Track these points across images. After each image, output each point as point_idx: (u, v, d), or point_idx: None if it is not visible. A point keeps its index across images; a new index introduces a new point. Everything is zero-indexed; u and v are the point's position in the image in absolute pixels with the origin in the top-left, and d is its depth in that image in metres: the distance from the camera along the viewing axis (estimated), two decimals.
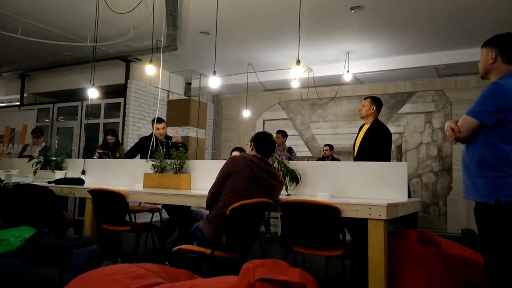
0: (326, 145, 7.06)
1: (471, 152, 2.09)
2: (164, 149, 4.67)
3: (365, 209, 2.53)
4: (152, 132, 4.86)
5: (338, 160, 7.01)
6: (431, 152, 7.22)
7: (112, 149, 5.53)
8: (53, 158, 4.92)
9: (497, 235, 1.97)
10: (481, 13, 4.89)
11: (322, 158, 7.06)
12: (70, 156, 6.69)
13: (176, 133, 5.05)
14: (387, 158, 3.84)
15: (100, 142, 6.76)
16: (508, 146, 1.97)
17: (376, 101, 4.03)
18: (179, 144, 4.98)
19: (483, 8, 4.74)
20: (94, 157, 5.21)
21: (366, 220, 2.54)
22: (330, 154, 6.93)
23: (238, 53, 6.75)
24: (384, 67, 6.80)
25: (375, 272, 2.44)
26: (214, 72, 4.65)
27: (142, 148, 4.89)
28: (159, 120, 5.01)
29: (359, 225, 3.11)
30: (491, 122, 1.99)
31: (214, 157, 9.24)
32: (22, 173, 4.79)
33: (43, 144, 6.19)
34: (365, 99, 4.11)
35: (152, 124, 4.96)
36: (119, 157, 5.47)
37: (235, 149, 4.63)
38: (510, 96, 1.98)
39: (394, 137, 6.59)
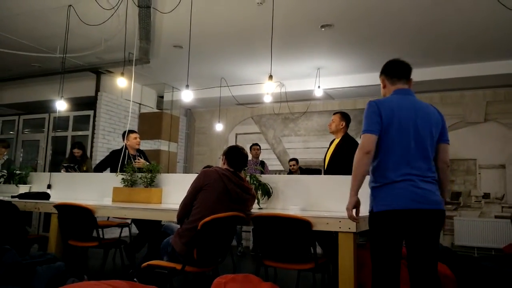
0: (291, 159, 6.95)
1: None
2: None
3: (335, 222, 2.58)
4: (123, 146, 4.77)
5: (308, 171, 6.87)
6: None
7: (79, 163, 5.37)
8: (17, 172, 4.75)
9: (372, 239, 2.22)
10: (445, 33, 5.14)
11: (290, 173, 7.02)
12: (35, 170, 6.46)
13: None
14: None
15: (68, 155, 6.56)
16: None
17: (345, 117, 4.14)
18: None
19: (448, 28, 4.98)
20: (62, 171, 5.06)
21: (336, 233, 2.58)
22: (297, 168, 6.88)
23: (211, 67, 6.77)
24: (354, 83, 6.99)
25: (345, 285, 2.47)
26: (187, 86, 4.65)
27: (113, 162, 4.78)
28: (134, 131, 4.98)
29: (330, 238, 3.14)
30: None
31: (186, 170, 9.15)
32: None
33: (6, 157, 5.96)
34: (334, 114, 4.21)
35: (123, 137, 4.88)
36: (86, 171, 5.32)
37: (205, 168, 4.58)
38: (383, 110, 2.26)
39: None
